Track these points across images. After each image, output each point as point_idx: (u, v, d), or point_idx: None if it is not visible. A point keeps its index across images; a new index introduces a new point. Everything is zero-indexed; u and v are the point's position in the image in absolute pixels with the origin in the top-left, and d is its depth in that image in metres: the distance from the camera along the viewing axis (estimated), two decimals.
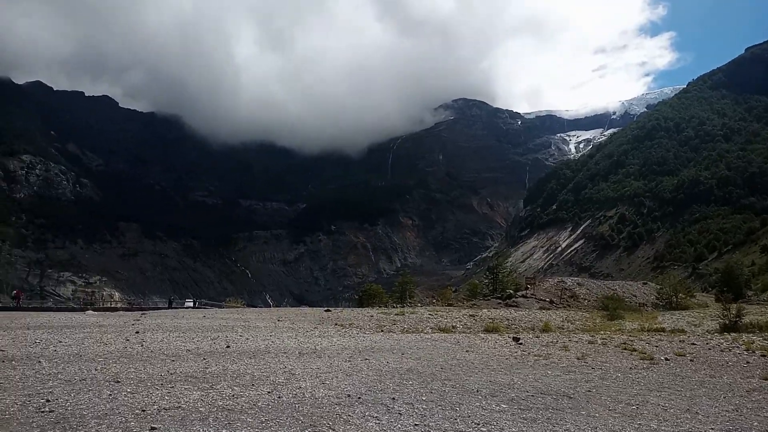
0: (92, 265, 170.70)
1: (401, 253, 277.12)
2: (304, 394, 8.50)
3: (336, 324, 22.78)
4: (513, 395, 8.94)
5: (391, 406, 7.85)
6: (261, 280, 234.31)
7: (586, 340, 17.83)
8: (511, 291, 42.74)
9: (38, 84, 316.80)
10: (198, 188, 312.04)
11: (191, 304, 54.45)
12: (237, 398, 8.06)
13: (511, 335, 18.67)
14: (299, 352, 13.21)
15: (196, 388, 8.73)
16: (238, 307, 50.05)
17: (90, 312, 40.00)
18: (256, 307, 74.78)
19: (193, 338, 16.06)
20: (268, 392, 8.57)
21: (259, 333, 18.90)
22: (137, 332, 18.88)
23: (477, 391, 9.13)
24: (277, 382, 9.41)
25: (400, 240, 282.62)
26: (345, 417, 7.11)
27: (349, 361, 12.11)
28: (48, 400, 7.49)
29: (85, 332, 18.81)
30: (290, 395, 8.39)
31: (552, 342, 16.98)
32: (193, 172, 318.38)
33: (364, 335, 18.23)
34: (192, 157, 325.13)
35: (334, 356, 12.79)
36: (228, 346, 14.07)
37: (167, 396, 8.04)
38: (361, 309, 37.52)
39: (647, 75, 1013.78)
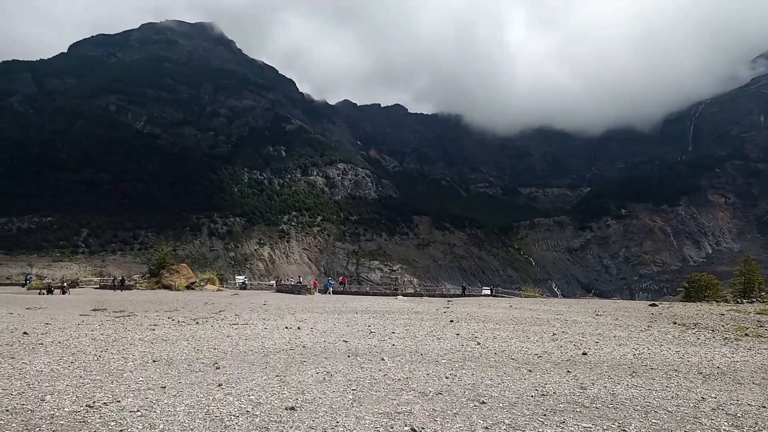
0: (394, 254, 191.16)
1: (712, 237, 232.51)
2: None
3: (675, 323, 17.76)
4: None
5: None
6: (546, 268, 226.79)
7: None
8: None
9: (346, 102, 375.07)
10: (478, 180, 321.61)
11: (488, 292, 53.77)
12: None
13: None
14: (699, 372, 9.20)
15: (600, 428, 5.82)
16: (536, 297, 47.09)
17: (401, 297, 42.31)
18: (548, 296, 70.82)
19: (527, 337, 13.50)
20: None
21: (585, 329, 15.61)
22: (451, 321, 17.76)
23: None
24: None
25: (710, 222, 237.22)
26: None
27: None
28: (414, 430, 5.55)
29: (405, 319, 18.47)
30: None
31: None
32: (473, 164, 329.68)
33: (757, 344, 12.81)
34: (471, 150, 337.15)
35: (760, 382, 8.40)
36: (585, 353, 10.95)
37: None
38: (695, 304, 30.45)
39: None
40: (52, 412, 5.67)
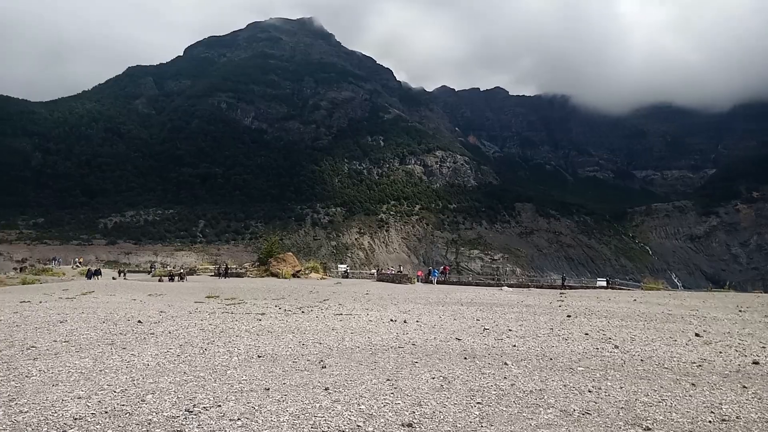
0: (495, 243, 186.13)
1: None
2: None
3: None
4: None
5: None
6: (664, 257, 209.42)
7: None
8: None
9: (444, 88, 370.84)
10: (587, 163, 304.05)
11: (603, 283, 49.87)
12: None
13: None
14: None
15: None
16: (660, 289, 42.74)
17: (506, 288, 40.35)
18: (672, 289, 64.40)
19: (673, 339, 11.51)
20: None
21: (731, 328, 13.42)
22: (569, 316, 16.14)
23: None
24: None
25: None
26: None
27: None
28: None
29: (516, 313, 17.11)
30: None
31: None
32: (581, 147, 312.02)
33: None
34: (579, 132, 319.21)
35: None
36: (755, 362, 8.95)
37: None
38: None
39: None
40: (150, 417, 5.17)
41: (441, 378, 7.26)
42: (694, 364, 8.71)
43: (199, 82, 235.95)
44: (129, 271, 62.20)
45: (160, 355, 8.49)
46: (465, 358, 8.76)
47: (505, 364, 8.33)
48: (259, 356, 8.61)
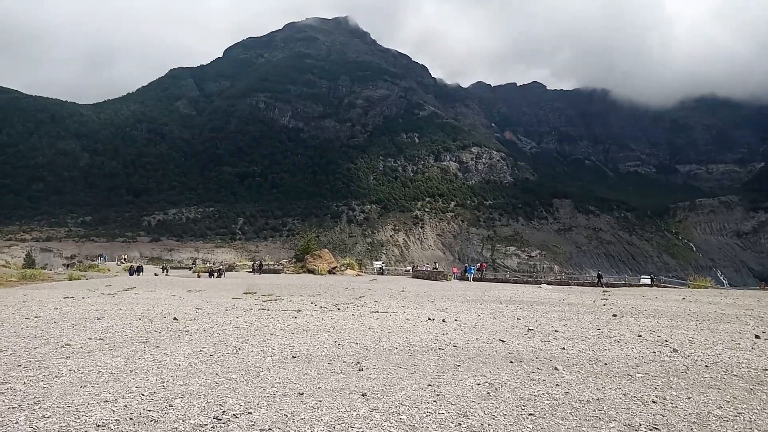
0: (532, 240, 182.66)
1: None
2: None
3: None
4: None
5: None
6: (709, 254, 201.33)
7: None
8: None
9: (479, 84, 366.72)
10: (628, 158, 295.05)
11: (648, 281, 47.90)
12: None
13: None
14: None
15: None
16: (708, 287, 40.72)
17: (545, 286, 39.20)
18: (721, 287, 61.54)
19: (735, 342, 10.60)
20: None
21: None
22: (614, 315, 15.43)
23: None
24: None
25: None
26: None
27: None
28: None
29: (558, 312, 16.49)
30: None
31: None
32: (622, 141, 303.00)
33: None
34: (619, 126, 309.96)
35: None
36: None
37: None
38: None
39: None
40: (176, 425, 4.84)
41: (487, 384, 6.73)
42: (765, 371, 7.89)
43: (237, 83, 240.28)
44: (171, 268, 63.67)
45: (192, 354, 8.25)
46: (511, 362, 8.19)
47: (556, 369, 7.72)
48: (293, 357, 8.26)
